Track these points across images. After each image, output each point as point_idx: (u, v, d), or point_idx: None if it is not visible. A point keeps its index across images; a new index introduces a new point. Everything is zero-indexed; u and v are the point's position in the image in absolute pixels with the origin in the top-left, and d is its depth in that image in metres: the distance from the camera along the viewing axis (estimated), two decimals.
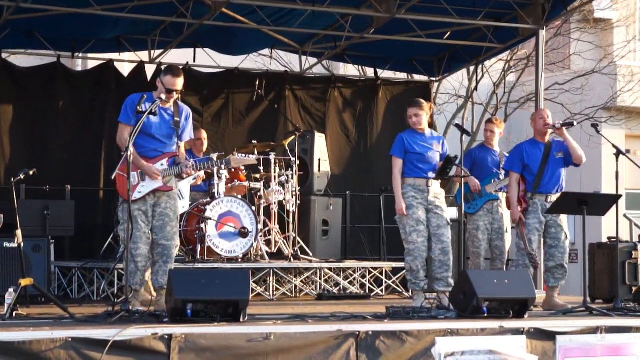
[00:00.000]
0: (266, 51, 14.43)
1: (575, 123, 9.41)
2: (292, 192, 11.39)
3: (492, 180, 9.97)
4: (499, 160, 10.05)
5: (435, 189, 9.07)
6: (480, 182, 9.92)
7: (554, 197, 9.19)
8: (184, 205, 9.70)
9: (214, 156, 10.25)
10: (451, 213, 9.54)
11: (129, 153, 7.63)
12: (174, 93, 8.09)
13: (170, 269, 8.05)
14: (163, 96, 8.05)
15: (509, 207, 9.38)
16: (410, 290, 9.32)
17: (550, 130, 9.33)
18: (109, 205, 11.61)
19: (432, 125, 10.68)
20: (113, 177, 7.97)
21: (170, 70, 8.23)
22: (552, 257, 9.29)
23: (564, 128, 9.23)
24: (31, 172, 8.44)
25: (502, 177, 9.98)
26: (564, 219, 9.29)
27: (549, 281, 9.34)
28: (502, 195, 10.03)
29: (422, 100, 9.17)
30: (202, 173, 10.57)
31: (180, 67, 12.88)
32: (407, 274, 9.10)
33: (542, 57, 12.83)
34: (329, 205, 12.33)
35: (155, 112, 7.96)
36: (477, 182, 9.87)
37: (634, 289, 10.04)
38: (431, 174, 9.00)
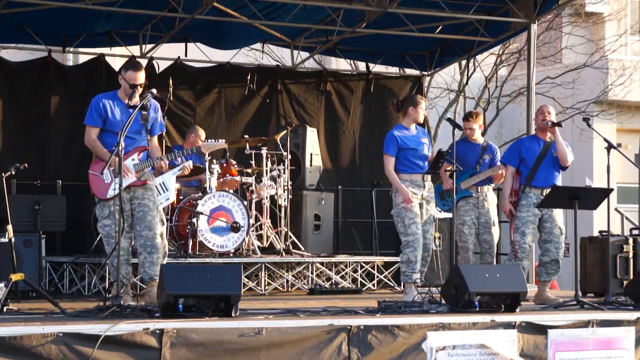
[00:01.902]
0: (258, 45, 14.41)
1: (562, 124, 9.50)
2: (284, 186, 11.38)
3: (467, 177, 9.95)
4: (480, 153, 10.03)
5: (429, 184, 9.20)
6: (457, 178, 9.91)
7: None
8: (168, 198, 9.63)
9: None
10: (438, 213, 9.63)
11: (120, 148, 7.61)
12: (138, 87, 8.01)
13: (160, 261, 8.04)
14: (154, 90, 8.01)
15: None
16: (403, 283, 9.35)
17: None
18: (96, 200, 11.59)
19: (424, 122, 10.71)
20: (101, 173, 7.97)
21: (130, 65, 8.14)
22: (546, 251, 9.31)
23: (556, 128, 9.31)
24: (22, 167, 8.43)
25: (480, 170, 9.98)
26: (558, 213, 9.31)
27: (542, 275, 9.35)
28: (488, 189, 10.01)
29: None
30: (189, 164, 10.51)
31: (173, 61, 13.01)
32: (402, 266, 9.14)
33: (533, 51, 12.83)
34: (320, 199, 12.33)
35: (147, 107, 7.93)
36: (450, 181, 9.84)
37: (624, 282, 10.05)
38: (425, 168, 9.12)
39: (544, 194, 9.24)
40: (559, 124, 9.38)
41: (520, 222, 9.30)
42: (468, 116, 10.28)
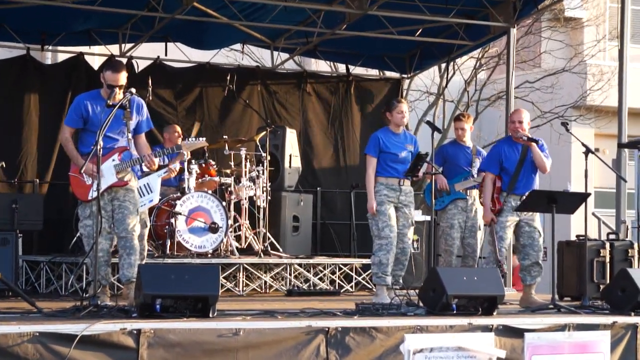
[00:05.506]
0: (237, 46, 14.39)
1: (539, 141, 9.40)
2: (262, 187, 11.37)
3: (462, 179, 9.98)
4: (471, 157, 10.06)
5: (406, 188, 9.22)
6: (451, 179, 9.94)
7: None
8: (152, 199, 9.59)
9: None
10: (416, 216, 9.61)
11: (98, 147, 7.57)
12: (117, 88, 7.96)
13: (137, 263, 8.00)
14: (133, 90, 7.96)
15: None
16: (375, 285, 9.38)
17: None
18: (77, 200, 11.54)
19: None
20: (79, 173, 7.92)
21: (110, 65, 8.08)
22: (527, 255, 9.35)
23: (532, 143, 9.30)
24: None
25: (475, 175, 9.97)
26: (536, 217, 9.36)
27: (526, 279, 9.40)
28: (477, 193, 10.03)
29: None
30: (176, 166, 10.48)
31: (152, 61, 12.97)
32: (373, 268, 9.22)
33: (512, 55, 12.90)
34: (299, 201, 12.33)
35: (126, 106, 7.88)
36: (445, 181, 9.89)
37: (601, 286, 10.10)
38: (403, 174, 9.15)
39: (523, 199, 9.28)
40: (534, 141, 9.34)
41: (498, 226, 9.32)
42: (460, 116, 10.31)
